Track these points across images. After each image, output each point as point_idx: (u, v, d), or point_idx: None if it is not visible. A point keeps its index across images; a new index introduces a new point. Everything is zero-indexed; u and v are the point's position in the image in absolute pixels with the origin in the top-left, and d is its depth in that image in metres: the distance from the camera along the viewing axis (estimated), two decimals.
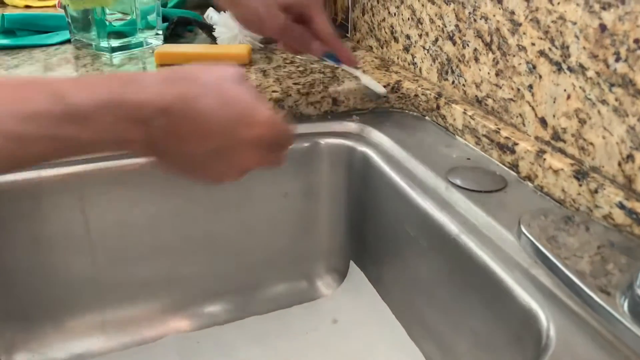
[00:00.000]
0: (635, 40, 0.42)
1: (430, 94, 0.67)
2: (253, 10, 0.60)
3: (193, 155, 0.41)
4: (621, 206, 0.43)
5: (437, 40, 0.67)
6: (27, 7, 1.16)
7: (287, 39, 0.64)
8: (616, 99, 0.44)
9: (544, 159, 0.51)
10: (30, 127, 0.33)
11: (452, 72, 0.65)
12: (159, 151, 0.40)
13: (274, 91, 0.66)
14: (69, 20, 0.83)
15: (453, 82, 0.66)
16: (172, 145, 0.40)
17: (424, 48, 0.70)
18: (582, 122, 0.48)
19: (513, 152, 0.54)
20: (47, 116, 0.34)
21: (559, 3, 0.48)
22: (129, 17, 0.82)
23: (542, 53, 0.51)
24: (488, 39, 0.58)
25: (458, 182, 0.54)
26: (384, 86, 0.70)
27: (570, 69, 0.48)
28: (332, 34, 0.62)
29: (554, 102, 0.51)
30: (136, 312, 0.66)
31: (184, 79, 0.40)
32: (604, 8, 0.44)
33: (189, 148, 0.40)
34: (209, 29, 0.86)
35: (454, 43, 0.64)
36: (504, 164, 0.56)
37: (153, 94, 0.38)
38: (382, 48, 0.82)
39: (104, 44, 0.80)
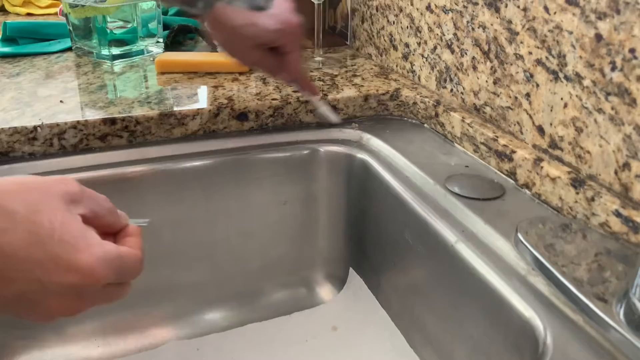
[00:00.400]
0: (631, 50, 0.42)
1: (428, 102, 0.67)
2: (229, 43, 0.60)
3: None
4: (617, 214, 0.43)
5: (435, 48, 0.68)
6: (29, 15, 1.17)
7: (258, 66, 0.64)
8: (612, 108, 0.44)
9: (542, 167, 0.51)
10: None
11: (451, 80, 0.66)
12: None
13: (273, 99, 0.67)
14: (71, 28, 0.83)
15: (451, 90, 0.66)
16: None
17: (422, 56, 0.71)
18: (579, 130, 0.48)
19: (511, 160, 0.55)
20: None
21: (555, 13, 0.49)
22: (130, 25, 0.83)
23: (539, 62, 0.52)
24: (486, 48, 0.58)
25: (456, 189, 0.54)
26: (383, 94, 0.70)
27: (567, 78, 0.49)
28: (300, 71, 0.61)
29: (551, 110, 0.51)
30: (136, 319, 0.67)
31: None
32: (599, 18, 0.44)
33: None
34: (209, 37, 0.87)
35: (453, 51, 0.64)
36: (501, 172, 0.57)
37: None
38: (381, 56, 0.82)
39: (105, 51, 0.80)
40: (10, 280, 0.32)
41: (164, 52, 0.86)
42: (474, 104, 0.62)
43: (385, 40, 0.80)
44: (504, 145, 0.56)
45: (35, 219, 0.32)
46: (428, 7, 0.68)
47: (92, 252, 0.34)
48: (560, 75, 0.49)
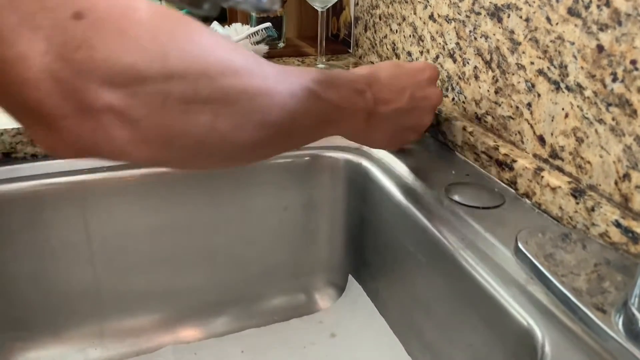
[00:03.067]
0: (632, 62, 0.42)
1: None
2: None
3: (393, 114, 0.53)
4: (617, 224, 0.44)
5: (437, 57, 0.68)
6: None
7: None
8: (613, 119, 0.45)
9: (542, 177, 0.51)
10: (319, 87, 0.44)
11: (452, 89, 0.66)
12: (372, 118, 0.51)
13: None
14: None
15: (453, 98, 0.66)
16: (381, 109, 0.52)
17: None
18: (580, 140, 0.48)
19: (511, 169, 0.55)
20: (322, 81, 0.45)
21: (557, 24, 0.49)
22: None
23: (540, 72, 0.52)
24: (488, 57, 0.59)
25: (456, 198, 0.54)
26: None
27: (568, 88, 0.49)
28: None
29: (552, 120, 0.51)
30: (135, 322, 0.67)
31: (366, 66, 0.55)
32: (601, 29, 0.45)
33: (391, 106, 0.52)
34: None
35: (455, 61, 0.65)
36: (502, 181, 0.57)
37: (357, 75, 0.51)
38: None
39: None
40: (400, 91, 0.54)
41: None
42: (476, 113, 0.62)
43: (387, 48, 0.81)
44: (505, 155, 0.56)
45: (389, 62, 0.58)
46: (431, 17, 0.68)
47: (423, 62, 0.60)
48: (562, 85, 0.49)
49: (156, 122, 0.33)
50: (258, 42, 0.74)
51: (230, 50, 0.37)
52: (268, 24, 0.67)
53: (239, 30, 0.80)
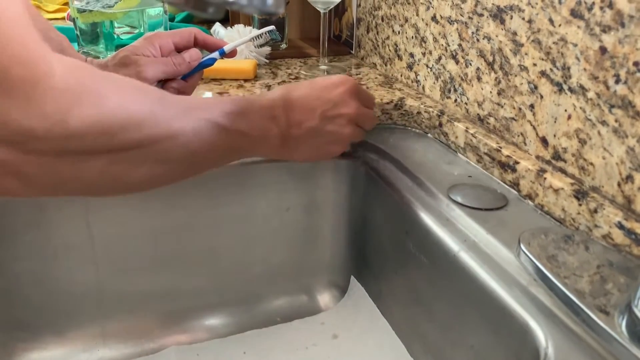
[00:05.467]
0: (635, 63, 0.42)
1: (432, 112, 0.68)
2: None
3: (307, 134, 0.53)
4: (620, 226, 0.43)
5: (440, 58, 0.68)
6: None
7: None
8: (616, 120, 0.45)
9: (545, 178, 0.51)
10: (227, 120, 0.47)
11: (455, 90, 0.66)
12: (287, 140, 0.53)
13: None
14: (78, 33, 0.84)
15: (455, 100, 0.66)
16: (294, 132, 0.52)
17: (427, 66, 0.71)
18: (583, 142, 0.48)
19: (514, 170, 0.55)
20: (231, 112, 0.47)
21: (560, 25, 0.49)
22: (137, 31, 0.83)
23: (543, 73, 0.52)
24: (490, 59, 0.59)
25: (459, 199, 0.54)
26: (387, 103, 0.70)
27: (571, 90, 0.49)
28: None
29: (555, 122, 0.51)
30: (137, 323, 0.67)
31: (281, 88, 0.55)
32: (604, 31, 0.45)
33: (304, 128, 0.53)
34: None
35: (457, 62, 0.65)
36: (505, 182, 0.57)
37: (269, 100, 0.52)
38: (385, 65, 0.83)
39: None
40: (312, 110, 0.53)
41: None
42: (478, 114, 0.62)
43: (390, 49, 0.81)
44: (508, 156, 0.56)
45: (306, 81, 0.57)
46: (433, 18, 0.68)
47: (340, 76, 0.57)
48: (565, 87, 0.49)
49: (48, 173, 0.36)
50: (261, 45, 0.74)
51: (137, 101, 0.39)
52: (272, 27, 0.67)
53: (241, 32, 0.80)
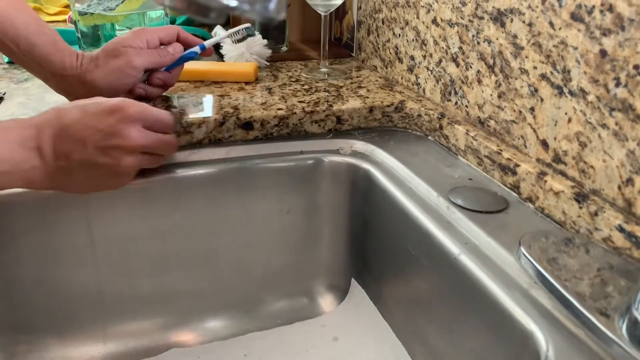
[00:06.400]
0: (635, 66, 0.42)
1: (433, 114, 0.68)
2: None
3: (78, 166, 0.49)
4: (621, 229, 0.44)
5: (440, 61, 0.68)
6: None
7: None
8: (616, 123, 0.45)
9: (545, 181, 0.51)
10: None
11: (455, 93, 0.66)
12: (55, 172, 0.49)
13: (279, 109, 0.67)
14: (79, 36, 0.84)
15: (456, 103, 0.66)
16: (61, 164, 0.48)
17: (427, 69, 0.71)
18: (583, 145, 0.48)
19: (514, 173, 0.55)
20: None
21: (560, 28, 0.49)
22: None
23: (543, 76, 0.52)
24: (491, 62, 0.59)
25: (459, 202, 0.54)
26: (387, 105, 0.71)
27: (571, 93, 0.49)
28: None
29: (555, 125, 0.51)
30: (138, 326, 0.67)
31: (53, 110, 0.50)
32: (604, 34, 0.45)
33: (73, 159, 0.49)
34: (216, 47, 0.88)
35: (458, 65, 0.65)
36: (505, 185, 0.57)
37: (33, 126, 0.48)
38: (386, 68, 0.83)
39: None
40: (85, 138, 0.48)
41: None
42: (479, 117, 0.62)
43: (390, 52, 0.81)
44: (508, 159, 0.56)
45: (80, 102, 0.52)
46: (434, 21, 0.68)
47: (117, 99, 0.51)
48: (565, 90, 0.50)
49: None
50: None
51: None
52: (248, 25, 0.74)
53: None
